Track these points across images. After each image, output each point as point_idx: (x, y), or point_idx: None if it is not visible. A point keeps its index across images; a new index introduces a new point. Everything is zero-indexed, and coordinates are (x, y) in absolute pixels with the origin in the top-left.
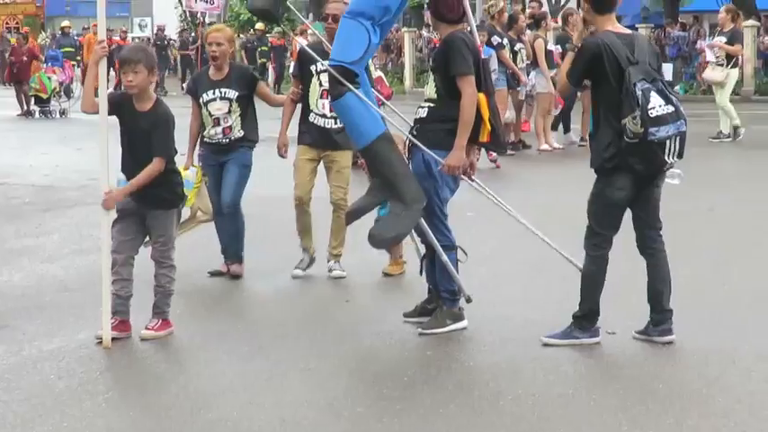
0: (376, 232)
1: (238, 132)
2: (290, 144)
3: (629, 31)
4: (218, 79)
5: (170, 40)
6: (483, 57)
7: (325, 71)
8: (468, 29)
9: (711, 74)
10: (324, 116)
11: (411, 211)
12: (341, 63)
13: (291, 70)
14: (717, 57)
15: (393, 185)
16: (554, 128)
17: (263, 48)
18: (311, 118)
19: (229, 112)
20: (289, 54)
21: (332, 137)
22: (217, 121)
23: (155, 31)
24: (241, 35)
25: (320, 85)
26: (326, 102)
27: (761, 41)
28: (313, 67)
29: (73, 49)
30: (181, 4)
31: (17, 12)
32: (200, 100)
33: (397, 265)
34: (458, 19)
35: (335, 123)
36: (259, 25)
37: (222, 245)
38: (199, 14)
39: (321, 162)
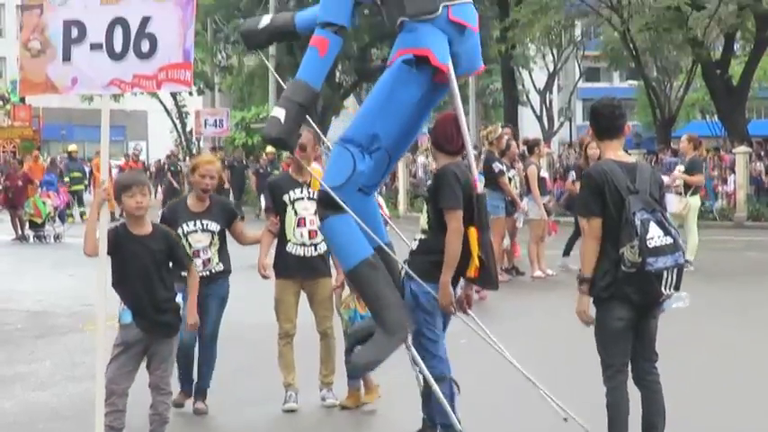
0: (353, 359)
1: (218, 265)
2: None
3: (632, 160)
4: (199, 211)
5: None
6: (479, 191)
7: (299, 200)
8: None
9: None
10: (303, 245)
11: (391, 339)
12: (324, 188)
13: (264, 204)
14: (675, 186)
15: (375, 311)
16: (566, 253)
17: (275, 172)
18: (289, 248)
19: (210, 244)
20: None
21: (311, 265)
22: (197, 253)
23: (167, 155)
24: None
25: (295, 214)
26: (304, 230)
27: (753, 167)
28: (286, 197)
29: (80, 174)
30: (176, 127)
31: (14, 136)
32: (180, 231)
33: (372, 392)
34: (456, 150)
35: (315, 250)
36: (269, 149)
37: (197, 378)
38: (194, 139)
39: (302, 291)
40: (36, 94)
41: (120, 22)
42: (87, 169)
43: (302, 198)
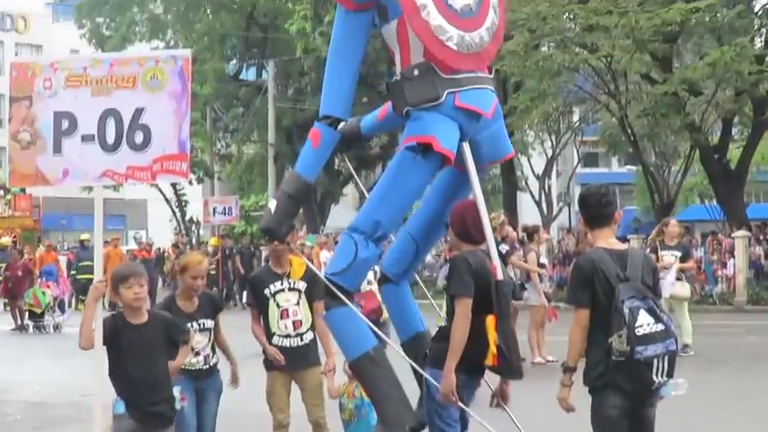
0: None
1: (214, 357)
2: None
3: (623, 247)
4: (191, 311)
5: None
6: (499, 277)
7: (279, 292)
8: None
9: (678, 290)
10: (288, 336)
11: None
12: (327, 276)
13: (245, 299)
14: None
15: (375, 404)
16: None
17: None
18: (275, 341)
19: (208, 341)
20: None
21: (299, 355)
22: (197, 352)
23: (178, 244)
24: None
25: (278, 306)
26: (288, 321)
27: (752, 251)
28: (267, 291)
29: (92, 263)
30: (175, 215)
31: (14, 226)
32: None
33: None
34: (478, 239)
35: (301, 340)
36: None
37: None
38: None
39: (293, 381)
40: (26, 186)
41: (113, 113)
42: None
43: (283, 290)
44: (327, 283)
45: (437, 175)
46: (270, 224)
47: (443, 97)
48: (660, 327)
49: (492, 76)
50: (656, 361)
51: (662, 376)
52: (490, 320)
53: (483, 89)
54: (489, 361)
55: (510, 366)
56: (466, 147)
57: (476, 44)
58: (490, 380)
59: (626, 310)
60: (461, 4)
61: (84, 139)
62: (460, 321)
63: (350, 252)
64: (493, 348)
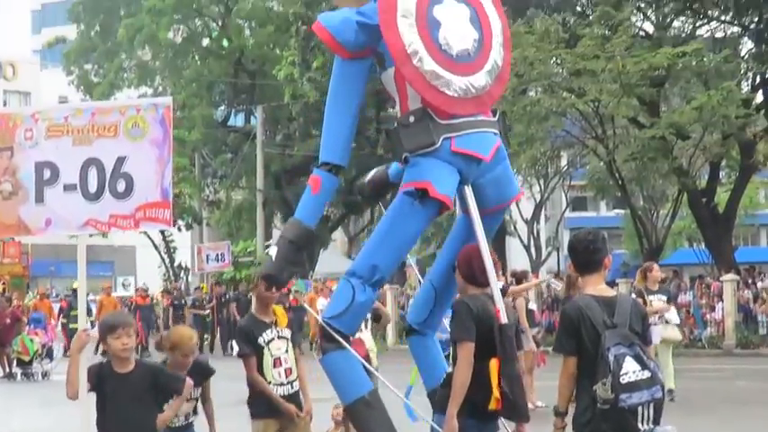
0: None
1: (192, 417)
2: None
3: (611, 293)
4: None
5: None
6: (502, 321)
7: (271, 341)
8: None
9: (670, 333)
10: (281, 384)
11: None
12: (324, 319)
13: (237, 351)
14: (659, 317)
15: None
16: None
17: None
18: (274, 387)
19: (193, 412)
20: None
21: (293, 402)
22: (186, 417)
23: (171, 290)
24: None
25: (271, 355)
26: (281, 369)
27: (741, 295)
28: (261, 340)
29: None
30: (164, 262)
31: (3, 273)
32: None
33: None
34: (483, 282)
35: (292, 388)
36: None
37: None
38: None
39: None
40: (8, 236)
41: (95, 162)
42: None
43: (273, 338)
44: (325, 326)
45: (455, 222)
46: (271, 270)
47: (439, 143)
48: (647, 374)
49: (496, 118)
50: (640, 408)
51: (647, 424)
52: (493, 364)
53: (482, 133)
54: (493, 405)
55: (515, 409)
56: (468, 191)
57: (475, 88)
58: (509, 423)
59: (611, 358)
60: (458, 48)
61: (67, 188)
62: (462, 366)
63: (347, 296)
64: (496, 393)
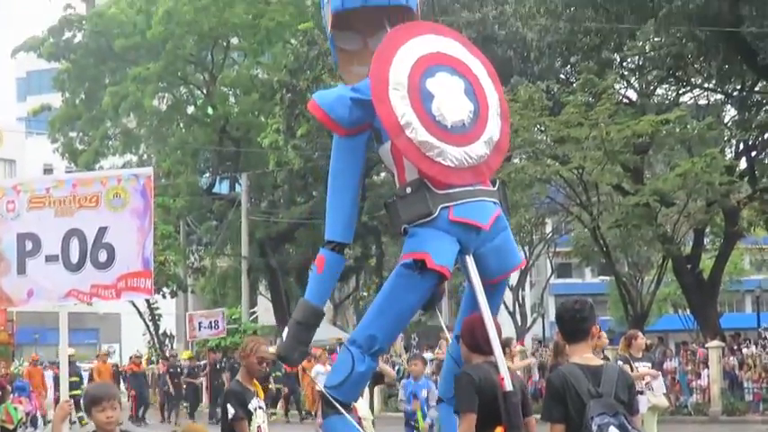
0: None
1: None
2: None
3: (598, 362)
4: None
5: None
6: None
7: (258, 408)
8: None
9: (657, 400)
10: None
11: None
12: (325, 387)
13: (232, 415)
14: (646, 384)
15: None
16: None
17: (278, 374)
18: None
19: None
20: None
21: None
22: None
23: (169, 357)
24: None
25: (256, 423)
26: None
27: (726, 362)
28: (250, 406)
29: (78, 378)
30: (149, 329)
31: None
32: None
33: None
34: (488, 350)
35: None
36: (271, 350)
37: None
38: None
39: None
40: None
41: (76, 233)
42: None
43: (257, 407)
44: (326, 394)
45: (464, 294)
46: (282, 351)
47: (437, 212)
48: None
49: (495, 187)
50: None
51: None
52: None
53: (481, 202)
54: None
55: None
56: (469, 260)
57: (472, 158)
58: None
59: (594, 428)
60: (452, 119)
61: (49, 259)
62: None
63: (347, 366)
64: None
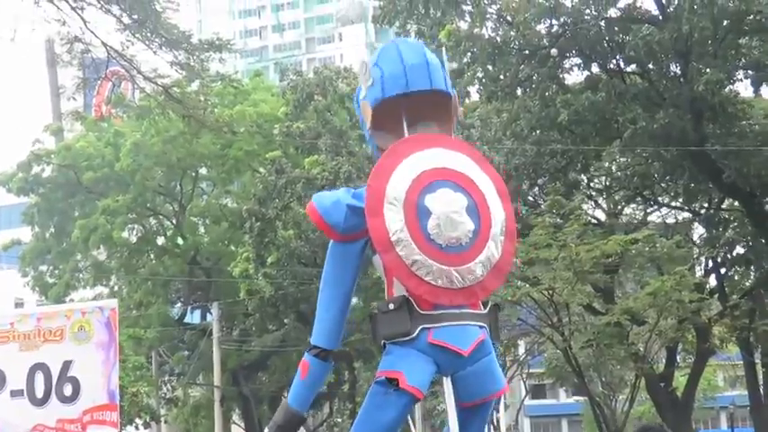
0: None
1: None
2: None
3: None
4: None
5: None
6: None
7: None
8: None
9: None
10: None
11: None
12: None
13: None
14: None
15: None
16: None
17: None
18: None
19: None
20: None
21: None
22: None
23: None
24: None
25: None
26: None
27: None
28: None
29: None
30: None
31: None
32: None
33: None
34: None
35: None
36: None
37: None
38: None
39: None
40: None
41: (41, 367)
42: None
43: None
44: None
45: None
46: (278, 420)
47: (416, 333)
48: None
49: (485, 311)
50: None
51: None
52: None
53: (465, 326)
54: None
55: None
56: (446, 382)
57: (465, 279)
58: None
59: None
60: (447, 238)
61: (14, 394)
62: None
63: None
64: None
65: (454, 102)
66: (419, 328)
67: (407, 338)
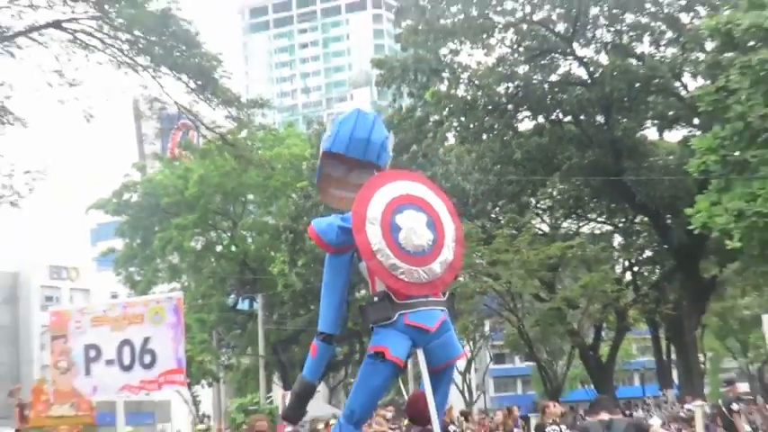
0: None
1: None
2: None
3: (606, 418)
4: None
5: None
6: None
7: None
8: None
9: None
10: None
11: None
12: None
13: None
14: None
15: None
16: None
17: None
18: None
19: None
20: None
21: None
22: None
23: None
24: None
25: None
26: None
27: None
28: None
29: None
30: (191, 412)
31: (78, 422)
32: None
33: None
34: (425, 421)
35: None
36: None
37: None
38: (205, 420)
39: None
40: (65, 402)
41: (127, 343)
42: None
43: None
44: None
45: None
46: (286, 413)
47: (395, 317)
48: None
49: (444, 298)
50: None
51: None
52: None
53: (431, 310)
54: None
55: None
56: (420, 353)
57: (428, 275)
58: None
59: None
60: (413, 245)
61: (107, 363)
62: None
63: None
64: None
65: (383, 167)
66: (398, 314)
67: (389, 322)
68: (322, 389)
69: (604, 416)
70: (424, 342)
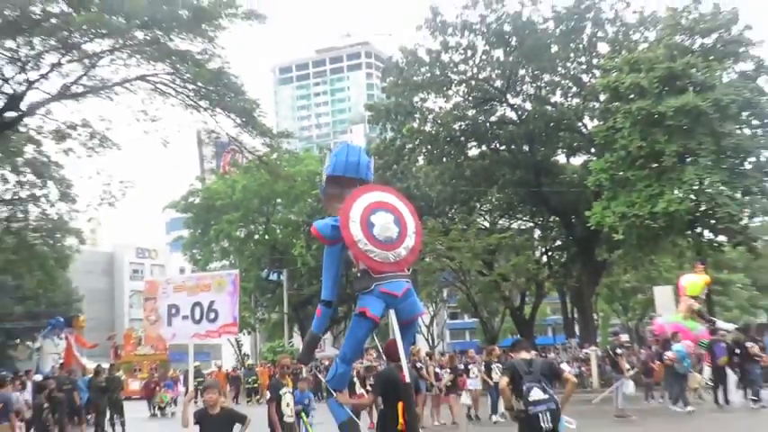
0: None
1: None
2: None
3: (530, 357)
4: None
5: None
6: (406, 380)
7: (286, 392)
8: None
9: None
10: (290, 416)
11: None
12: (326, 381)
13: (267, 398)
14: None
15: None
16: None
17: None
18: (285, 419)
19: None
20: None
21: (293, 426)
22: None
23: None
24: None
25: (285, 401)
26: (289, 409)
27: None
28: (281, 391)
29: (202, 379)
30: (236, 352)
31: (155, 359)
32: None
33: None
34: (396, 359)
35: (292, 419)
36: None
37: None
38: (245, 358)
39: None
40: (151, 344)
41: (198, 304)
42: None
43: (287, 392)
44: (326, 385)
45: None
46: (299, 357)
47: (372, 287)
48: (545, 395)
49: (408, 272)
50: (540, 414)
51: (547, 423)
52: (401, 406)
53: (398, 281)
54: (400, 427)
55: (413, 429)
56: (392, 313)
57: (395, 257)
58: None
59: (524, 388)
60: (384, 236)
61: (183, 318)
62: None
63: (333, 370)
64: (401, 421)
65: (368, 182)
66: (374, 284)
67: (368, 290)
68: (328, 337)
69: (525, 354)
70: (394, 304)
